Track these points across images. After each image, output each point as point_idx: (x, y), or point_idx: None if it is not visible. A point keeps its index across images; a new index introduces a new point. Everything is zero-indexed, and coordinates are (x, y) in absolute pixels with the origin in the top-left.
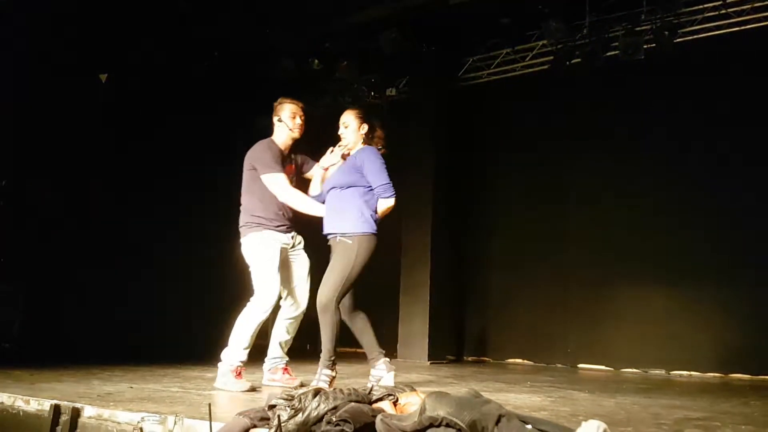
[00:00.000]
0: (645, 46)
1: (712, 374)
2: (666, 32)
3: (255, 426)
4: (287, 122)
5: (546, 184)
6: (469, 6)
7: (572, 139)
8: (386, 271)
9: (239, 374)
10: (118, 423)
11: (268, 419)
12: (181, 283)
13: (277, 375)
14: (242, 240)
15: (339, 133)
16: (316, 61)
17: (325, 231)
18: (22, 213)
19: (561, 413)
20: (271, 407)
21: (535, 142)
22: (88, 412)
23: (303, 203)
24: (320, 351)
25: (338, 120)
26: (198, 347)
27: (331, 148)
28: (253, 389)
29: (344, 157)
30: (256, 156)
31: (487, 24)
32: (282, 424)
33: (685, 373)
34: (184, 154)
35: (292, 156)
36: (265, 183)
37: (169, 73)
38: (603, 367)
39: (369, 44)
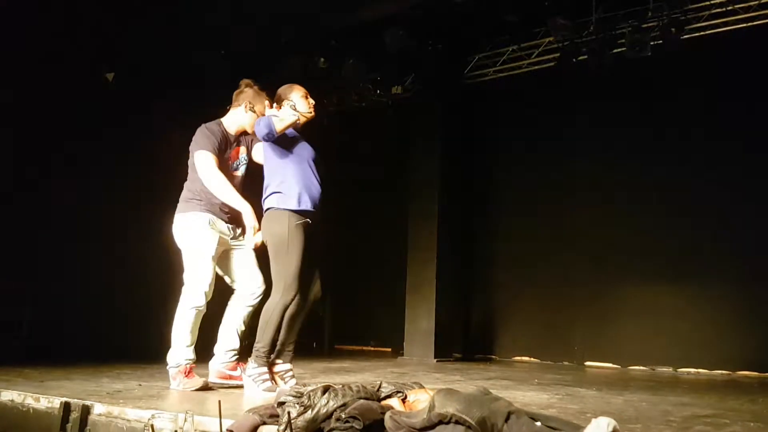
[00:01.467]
0: (651, 43)
1: (719, 372)
2: (673, 29)
3: (265, 423)
4: (252, 115)
5: (553, 182)
6: (475, 3)
7: (578, 136)
8: (393, 269)
9: (190, 372)
10: (128, 420)
11: (278, 416)
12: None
13: (236, 372)
14: (177, 216)
15: (313, 105)
16: (322, 59)
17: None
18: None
19: (569, 411)
20: (281, 404)
21: (541, 140)
22: (98, 409)
23: (224, 190)
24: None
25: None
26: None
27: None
28: (206, 386)
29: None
30: (194, 139)
31: (492, 21)
32: (291, 421)
33: (692, 370)
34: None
35: (242, 138)
36: (195, 162)
37: (170, 72)
38: (610, 365)
39: (375, 42)
